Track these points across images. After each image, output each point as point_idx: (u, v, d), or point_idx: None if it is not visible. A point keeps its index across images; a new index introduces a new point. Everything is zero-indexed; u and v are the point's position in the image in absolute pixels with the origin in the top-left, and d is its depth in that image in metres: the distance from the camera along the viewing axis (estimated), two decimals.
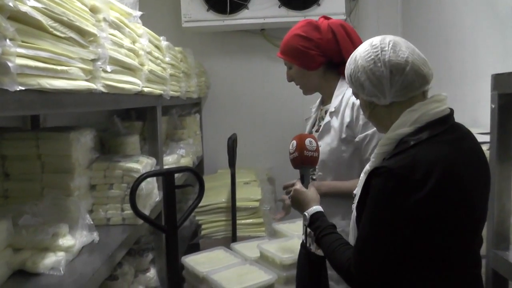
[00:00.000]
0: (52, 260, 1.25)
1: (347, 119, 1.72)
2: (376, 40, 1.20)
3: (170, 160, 2.60)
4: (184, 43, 3.70)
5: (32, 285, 1.18)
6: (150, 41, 1.85)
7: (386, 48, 1.16)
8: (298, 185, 1.51)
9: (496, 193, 1.44)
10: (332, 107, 1.81)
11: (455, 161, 1.12)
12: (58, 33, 0.99)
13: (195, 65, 3.22)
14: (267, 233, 3.00)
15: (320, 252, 1.40)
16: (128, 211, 1.68)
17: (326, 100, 1.91)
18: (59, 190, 1.52)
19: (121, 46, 1.43)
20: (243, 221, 3.03)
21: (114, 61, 1.35)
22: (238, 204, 2.96)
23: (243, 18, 3.55)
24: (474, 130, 2.01)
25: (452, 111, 1.21)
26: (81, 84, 1.12)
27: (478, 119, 2.32)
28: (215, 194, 3.15)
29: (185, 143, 3.16)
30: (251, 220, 3.07)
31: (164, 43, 2.13)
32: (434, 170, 1.07)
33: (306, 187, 1.52)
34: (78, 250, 1.38)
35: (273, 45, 4.05)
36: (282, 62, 1.94)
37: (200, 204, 3.01)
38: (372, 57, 1.16)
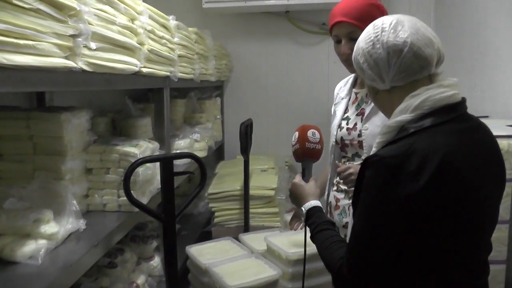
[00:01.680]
0: (31, 248, 1.19)
1: None
2: (379, 20, 1.11)
3: (182, 145, 2.51)
4: (206, 24, 3.61)
5: (5, 275, 1.12)
6: (154, 20, 1.75)
7: (387, 29, 1.07)
8: (297, 179, 1.44)
9: None
10: None
11: (458, 154, 1.00)
12: (22, 4, 0.89)
13: (214, 47, 3.10)
14: (282, 223, 2.90)
15: None
16: (124, 197, 1.60)
17: (364, 83, 1.76)
18: (50, 173, 1.46)
19: (112, 22, 1.33)
20: (257, 210, 2.93)
21: (101, 38, 1.26)
22: (252, 192, 2.86)
23: None
24: (504, 122, 1.83)
25: (464, 99, 1.08)
26: (56, 61, 1.03)
27: (510, 109, 2.11)
28: (231, 181, 3.06)
29: (202, 127, 3.08)
30: (266, 209, 2.97)
31: (173, 22, 2.03)
32: (432, 162, 0.95)
33: (307, 181, 1.43)
34: (63, 238, 1.31)
35: (297, 28, 3.89)
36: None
37: (214, 191, 2.95)
38: (372, 38, 1.09)
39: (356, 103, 1.76)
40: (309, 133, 1.45)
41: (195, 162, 1.64)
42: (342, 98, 1.85)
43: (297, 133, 1.48)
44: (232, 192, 2.94)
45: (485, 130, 1.10)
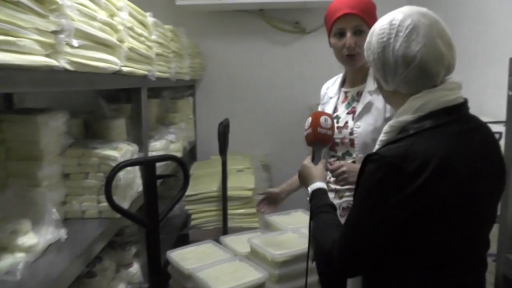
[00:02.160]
0: (8, 262, 1.09)
1: None
2: (397, 17, 1.06)
3: (158, 146, 2.43)
4: (178, 22, 3.51)
5: None
6: (133, 16, 1.67)
7: (401, 34, 1.04)
8: (307, 161, 1.49)
9: (510, 191, 1.30)
10: (372, 86, 1.69)
11: (456, 155, 1.01)
12: None
13: (188, 45, 3.03)
14: (260, 224, 2.86)
15: None
16: (105, 203, 1.52)
17: (355, 81, 1.77)
18: (26, 179, 1.36)
19: (93, 18, 1.25)
20: (235, 211, 2.88)
21: (83, 35, 1.18)
22: (230, 193, 2.81)
23: None
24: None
25: (465, 100, 1.09)
26: (37, 59, 0.95)
27: (484, 107, 2.15)
28: (207, 182, 2.99)
29: (176, 127, 2.99)
30: (244, 210, 2.92)
31: (150, 19, 1.95)
32: (429, 163, 0.97)
33: (316, 164, 1.48)
34: (43, 249, 1.23)
35: (272, 27, 3.87)
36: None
37: (191, 193, 2.88)
38: (385, 39, 1.07)
39: (346, 102, 1.75)
40: (322, 119, 1.48)
41: (171, 164, 1.60)
42: (331, 98, 1.84)
43: (310, 118, 1.51)
44: (209, 194, 2.88)
45: (486, 131, 1.10)
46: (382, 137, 1.11)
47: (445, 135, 1.02)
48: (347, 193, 1.72)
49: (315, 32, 3.94)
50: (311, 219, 1.32)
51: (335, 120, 1.74)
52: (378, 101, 1.66)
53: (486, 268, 1.13)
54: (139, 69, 1.76)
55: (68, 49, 1.09)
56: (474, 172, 1.04)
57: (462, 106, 1.07)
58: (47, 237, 1.25)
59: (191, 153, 3.83)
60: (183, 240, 2.78)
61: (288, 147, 4.08)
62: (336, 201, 1.72)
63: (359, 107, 1.68)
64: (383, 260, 1.08)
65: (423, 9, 1.07)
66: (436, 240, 1.02)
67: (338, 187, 1.72)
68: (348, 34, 1.63)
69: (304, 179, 1.43)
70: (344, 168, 1.53)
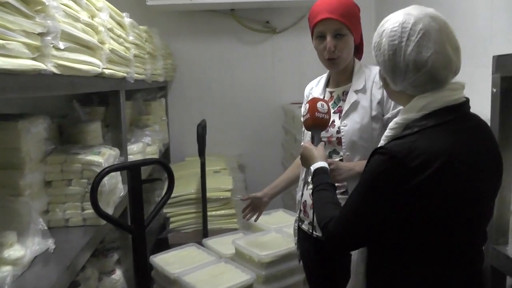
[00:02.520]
0: None
1: (377, 96, 1.68)
2: (409, 20, 1.07)
3: (135, 149, 2.38)
4: (149, 22, 3.45)
5: None
6: (111, 17, 1.63)
7: (413, 38, 1.06)
8: (308, 143, 1.53)
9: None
10: (357, 85, 1.72)
11: (460, 153, 1.06)
12: None
13: (161, 46, 2.98)
14: (239, 225, 2.85)
15: None
16: (90, 210, 1.48)
17: (340, 81, 1.79)
18: (7, 189, 1.30)
19: (77, 19, 1.21)
20: (214, 213, 2.86)
21: (68, 37, 1.14)
22: (208, 194, 2.78)
23: None
24: None
25: (467, 100, 1.13)
26: (26, 63, 0.91)
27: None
28: (184, 185, 2.96)
29: (150, 129, 2.94)
30: (223, 212, 2.90)
31: (127, 20, 1.90)
32: (433, 161, 1.02)
33: (316, 146, 1.53)
34: (30, 261, 1.17)
35: (243, 26, 3.86)
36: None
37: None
38: (396, 42, 1.08)
39: (332, 102, 1.76)
40: (319, 104, 1.54)
41: (147, 167, 1.57)
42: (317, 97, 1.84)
43: (307, 105, 1.56)
44: (187, 196, 2.85)
45: (485, 128, 1.15)
46: (387, 133, 1.15)
47: (447, 133, 1.06)
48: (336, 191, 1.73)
49: (286, 32, 3.96)
50: (311, 195, 1.39)
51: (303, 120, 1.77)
52: (364, 100, 1.69)
53: (483, 260, 1.18)
54: (119, 71, 1.71)
55: (54, 52, 1.05)
56: (475, 168, 1.08)
57: (463, 105, 1.11)
58: (33, 248, 1.20)
59: (165, 155, 3.78)
60: (162, 244, 2.73)
61: (261, 147, 4.08)
62: None
63: (345, 106, 1.70)
64: (383, 250, 1.14)
65: (432, 11, 1.09)
66: (434, 234, 1.06)
67: None
68: (328, 38, 1.65)
69: (306, 160, 1.49)
70: (332, 166, 1.54)
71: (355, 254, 1.29)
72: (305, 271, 1.89)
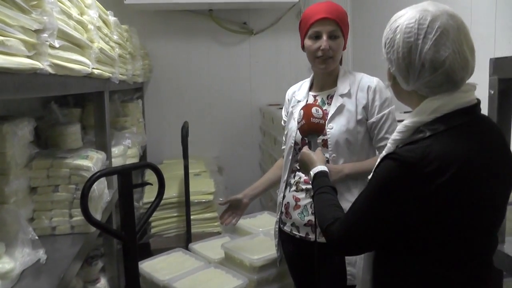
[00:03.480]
0: None
1: (362, 101, 1.73)
2: (426, 17, 1.02)
3: (116, 152, 2.29)
4: (125, 22, 3.35)
5: None
6: (98, 15, 1.55)
7: (431, 36, 1.00)
8: (305, 149, 1.53)
9: None
10: (343, 90, 1.76)
11: (474, 157, 1.02)
12: None
13: (140, 46, 2.90)
14: (222, 229, 2.80)
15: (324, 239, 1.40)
16: (78, 217, 1.41)
17: (324, 85, 1.81)
18: None
19: (69, 16, 1.14)
20: (196, 216, 2.81)
21: (62, 35, 1.07)
22: (191, 198, 2.72)
23: None
24: None
25: (479, 101, 1.09)
26: (24, 61, 0.85)
27: None
28: (165, 188, 2.87)
29: (129, 132, 2.85)
30: (205, 215, 2.85)
31: (111, 18, 1.83)
32: (449, 167, 0.98)
33: (314, 151, 1.52)
34: (19, 274, 1.10)
35: (221, 27, 3.81)
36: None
37: (149, 200, 2.76)
38: (412, 40, 1.02)
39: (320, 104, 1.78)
40: (313, 110, 1.54)
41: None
42: (299, 101, 1.85)
43: (302, 111, 1.57)
44: (169, 200, 2.78)
45: (496, 130, 1.12)
46: (395, 136, 1.09)
47: (461, 138, 1.03)
48: None
49: (263, 33, 3.95)
50: (312, 198, 1.40)
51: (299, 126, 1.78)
52: (350, 104, 1.73)
53: (492, 265, 1.16)
54: (104, 71, 1.64)
55: (49, 50, 0.98)
56: (489, 173, 1.05)
57: (476, 107, 1.07)
58: (23, 260, 1.12)
59: (142, 158, 3.68)
60: (143, 249, 2.65)
61: (239, 149, 4.05)
62: (307, 200, 1.74)
63: (331, 110, 1.73)
64: (390, 256, 1.11)
65: (449, 8, 1.05)
66: (447, 239, 1.03)
67: (308, 186, 1.73)
68: (324, 37, 1.69)
69: (306, 164, 1.48)
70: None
71: (360, 261, 1.28)
72: (291, 273, 1.88)
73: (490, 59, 1.32)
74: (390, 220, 1.04)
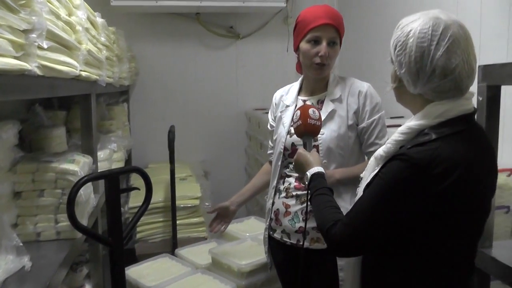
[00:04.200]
0: None
1: (353, 106, 1.72)
2: (439, 25, 1.05)
3: (102, 156, 2.25)
4: (112, 24, 3.32)
5: None
6: (86, 16, 1.53)
7: (443, 43, 1.04)
8: (301, 150, 1.51)
9: None
10: (334, 95, 1.74)
11: (474, 161, 1.07)
12: None
13: (126, 49, 2.87)
14: (208, 234, 2.78)
15: (315, 246, 1.43)
16: (64, 223, 1.38)
17: (315, 90, 1.80)
18: None
19: (58, 17, 1.12)
20: (182, 221, 2.77)
21: (50, 36, 1.04)
22: (176, 202, 2.69)
23: None
24: None
25: (475, 109, 1.14)
26: (12, 62, 0.82)
27: None
28: None
29: (115, 135, 2.81)
30: (191, 220, 2.82)
31: (99, 20, 1.81)
32: (456, 168, 1.02)
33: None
34: (2, 282, 1.06)
35: (208, 30, 3.80)
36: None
37: (135, 205, 2.72)
38: (425, 45, 1.05)
39: None
40: (310, 111, 1.52)
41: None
42: (288, 106, 1.84)
43: (299, 112, 1.54)
44: (155, 205, 2.74)
45: (485, 135, 1.17)
46: (397, 137, 1.12)
47: (465, 142, 1.07)
48: None
49: (249, 37, 3.95)
50: (310, 200, 1.36)
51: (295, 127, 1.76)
52: (341, 109, 1.72)
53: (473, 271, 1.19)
54: (92, 74, 1.61)
55: (38, 51, 0.96)
56: (485, 176, 1.11)
57: (473, 115, 1.13)
58: (6, 267, 1.09)
59: (127, 162, 3.63)
60: (129, 255, 2.60)
61: (225, 153, 4.03)
62: (297, 207, 1.72)
63: (322, 115, 1.70)
64: (385, 256, 1.13)
65: (457, 19, 1.09)
66: (449, 238, 1.07)
67: (299, 192, 1.72)
68: (324, 43, 1.67)
69: (302, 165, 1.47)
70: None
71: (353, 267, 1.27)
72: (280, 280, 1.86)
73: (479, 66, 1.34)
74: (396, 221, 1.06)
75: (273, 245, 1.81)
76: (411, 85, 1.10)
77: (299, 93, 1.85)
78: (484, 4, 2.00)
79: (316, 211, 1.28)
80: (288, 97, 1.86)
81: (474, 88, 1.36)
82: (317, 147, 1.68)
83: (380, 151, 1.17)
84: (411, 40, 1.06)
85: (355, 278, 1.24)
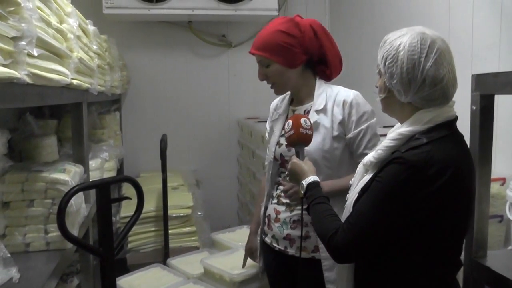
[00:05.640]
0: None
1: (338, 116, 1.70)
2: (426, 39, 1.14)
3: (93, 166, 2.23)
4: (103, 32, 3.31)
5: None
6: (78, 23, 1.52)
7: (432, 55, 1.13)
8: (295, 158, 1.52)
9: (476, 199, 1.37)
10: (318, 105, 1.74)
11: (462, 162, 1.15)
12: None
13: (118, 57, 2.85)
14: (200, 243, 2.75)
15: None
16: (54, 233, 1.35)
17: (302, 100, 1.81)
18: None
19: (49, 24, 1.11)
20: (174, 231, 2.75)
21: (41, 43, 1.03)
22: (168, 212, 2.67)
23: (171, 8, 3.25)
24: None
25: (457, 116, 1.21)
26: (1, 70, 0.80)
27: None
28: None
29: (106, 144, 2.79)
30: (183, 229, 2.80)
31: (91, 27, 1.79)
32: (447, 169, 1.10)
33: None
34: None
35: (200, 39, 3.80)
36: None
37: (126, 214, 2.69)
38: (416, 57, 1.13)
39: None
40: (302, 120, 1.53)
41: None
42: (280, 115, 1.86)
43: (290, 121, 1.54)
44: (147, 214, 2.72)
45: (464, 140, 1.24)
46: (389, 143, 1.18)
47: (453, 144, 1.15)
48: (298, 207, 1.72)
49: (241, 46, 3.95)
50: (308, 209, 1.38)
51: (283, 138, 1.78)
52: (325, 120, 1.72)
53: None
54: (83, 82, 1.60)
55: (28, 59, 0.94)
56: (470, 176, 1.19)
57: (455, 121, 1.21)
58: None
59: (119, 172, 3.60)
60: (120, 265, 2.57)
61: (217, 162, 4.02)
62: (287, 214, 1.73)
63: None
64: (386, 255, 1.17)
65: (440, 35, 1.17)
66: (440, 238, 1.13)
67: (288, 201, 1.72)
68: (259, 68, 1.76)
69: (296, 175, 1.48)
70: (296, 189, 1.59)
71: (340, 273, 1.29)
72: (269, 283, 1.87)
73: (472, 75, 1.35)
74: (397, 222, 1.11)
75: (265, 249, 1.84)
76: (402, 94, 1.17)
77: (291, 102, 1.86)
78: (476, 14, 2.02)
79: (315, 221, 1.30)
80: (281, 106, 1.88)
81: (467, 97, 1.38)
82: None
83: (370, 157, 1.22)
84: (402, 53, 1.14)
85: (349, 279, 1.28)
